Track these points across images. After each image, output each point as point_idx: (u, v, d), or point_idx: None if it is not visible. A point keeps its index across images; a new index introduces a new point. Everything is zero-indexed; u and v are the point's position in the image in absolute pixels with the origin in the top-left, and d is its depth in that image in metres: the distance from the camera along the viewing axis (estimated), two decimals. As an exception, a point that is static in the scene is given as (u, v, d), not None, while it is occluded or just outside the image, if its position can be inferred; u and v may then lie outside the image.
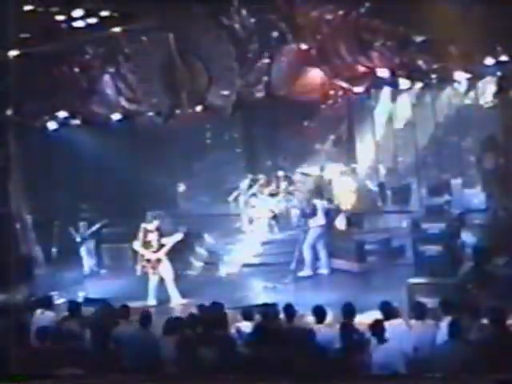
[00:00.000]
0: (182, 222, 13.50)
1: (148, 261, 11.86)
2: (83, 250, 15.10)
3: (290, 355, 6.46)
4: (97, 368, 6.67)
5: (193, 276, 13.98)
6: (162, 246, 11.89)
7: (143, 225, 12.05)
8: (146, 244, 11.92)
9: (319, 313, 7.75)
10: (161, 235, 11.96)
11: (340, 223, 14.64)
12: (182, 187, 18.86)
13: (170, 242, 11.91)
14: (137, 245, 12.01)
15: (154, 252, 11.84)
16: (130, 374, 6.45)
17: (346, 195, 16.03)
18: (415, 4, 11.73)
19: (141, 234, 11.99)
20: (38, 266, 14.39)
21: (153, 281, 11.93)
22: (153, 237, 11.92)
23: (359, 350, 6.80)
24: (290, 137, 17.85)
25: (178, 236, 12.02)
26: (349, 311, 7.69)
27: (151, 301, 11.80)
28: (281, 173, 16.86)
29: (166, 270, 11.91)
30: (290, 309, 8.07)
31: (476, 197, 15.21)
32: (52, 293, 11.23)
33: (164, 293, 11.93)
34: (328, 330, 7.43)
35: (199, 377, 6.33)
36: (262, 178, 16.87)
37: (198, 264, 14.58)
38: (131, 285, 12.66)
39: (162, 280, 11.95)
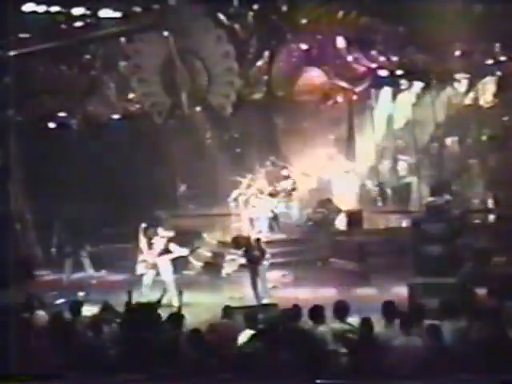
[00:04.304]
0: (181, 222, 13.43)
1: (146, 261, 11.83)
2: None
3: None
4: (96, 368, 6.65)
5: (192, 276, 13.95)
6: (166, 251, 11.91)
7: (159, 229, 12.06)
8: (150, 245, 11.91)
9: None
10: (169, 241, 11.96)
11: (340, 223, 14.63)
12: (182, 187, 18.82)
13: (175, 252, 11.95)
14: (142, 243, 12.01)
15: (158, 255, 11.85)
16: (128, 375, 6.43)
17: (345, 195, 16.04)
18: (415, 4, 11.76)
19: (144, 235, 11.95)
20: (37, 266, 14.36)
21: (147, 278, 11.89)
22: (161, 241, 11.93)
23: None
24: (290, 137, 17.82)
25: (184, 251, 12.23)
26: (342, 309, 7.54)
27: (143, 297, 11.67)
28: (281, 173, 16.83)
29: (167, 271, 11.87)
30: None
31: (476, 197, 15.21)
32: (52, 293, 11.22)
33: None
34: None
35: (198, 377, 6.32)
36: (261, 178, 16.83)
37: (198, 264, 14.55)
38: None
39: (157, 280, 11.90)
